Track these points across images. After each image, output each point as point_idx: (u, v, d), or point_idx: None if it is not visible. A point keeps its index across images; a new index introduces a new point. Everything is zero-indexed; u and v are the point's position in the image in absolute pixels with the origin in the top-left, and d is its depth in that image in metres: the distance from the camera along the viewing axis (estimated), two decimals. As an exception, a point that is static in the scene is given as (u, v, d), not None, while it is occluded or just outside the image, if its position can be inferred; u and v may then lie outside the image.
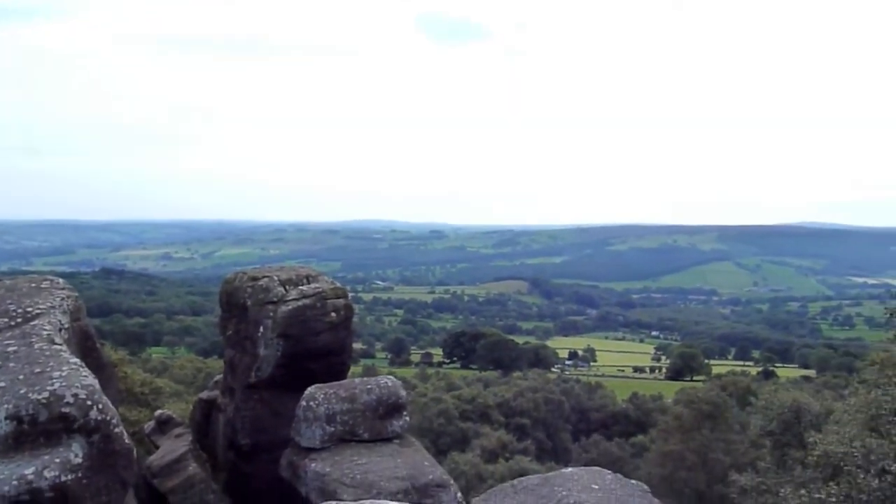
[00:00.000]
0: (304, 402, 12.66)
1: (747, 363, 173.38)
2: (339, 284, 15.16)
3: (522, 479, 9.76)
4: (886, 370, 16.19)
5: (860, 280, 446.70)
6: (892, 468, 10.89)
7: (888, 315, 11.42)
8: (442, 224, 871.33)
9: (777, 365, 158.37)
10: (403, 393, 13.18)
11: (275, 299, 14.40)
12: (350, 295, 16.32)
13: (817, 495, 11.35)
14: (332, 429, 12.42)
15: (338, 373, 14.62)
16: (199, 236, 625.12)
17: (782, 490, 15.01)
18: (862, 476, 11.25)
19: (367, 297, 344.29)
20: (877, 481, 10.97)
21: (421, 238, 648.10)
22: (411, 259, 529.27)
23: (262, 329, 14.31)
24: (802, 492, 12.07)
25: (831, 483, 12.13)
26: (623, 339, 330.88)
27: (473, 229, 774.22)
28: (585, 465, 11.20)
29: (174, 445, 16.27)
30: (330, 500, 7.64)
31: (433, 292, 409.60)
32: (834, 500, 11.14)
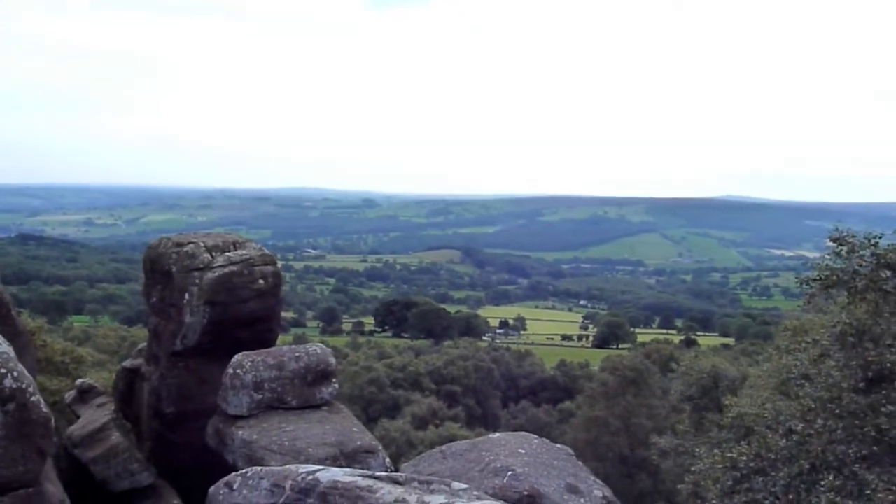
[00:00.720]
0: (231, 370, 12.53)
1: (671, 332, 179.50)
2: (267, 251, 14.97)
3: (451, 444, 9.94)
4: (797, 337, 17.02)
5: (778, 252, 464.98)
6: (798, 428, 11.50)
7: (800, 285, 11.99)
8: (375, 193, 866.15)
9: (699, 333, 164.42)
10: (333, 360, 13.17)
11: (201, 266, 14.13)
12: (280, 263, 16.14)
13: (730, 454, 11.94)
14: (260, 396, 12.35)
15: (265, 341, 14.51)
16: (122, 202, 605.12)
17: (697, 450, 15.75)
18: (770, 435, 11.85)
19: (299, 265, 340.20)
20: (784, 441, 11.58)
21: (353, 206, 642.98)
22: (343, 227, 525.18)
23: (187, 296, 14.05)
24: (716, 451, 12.70)
25: (742, 443, 12.76)
26: (552, 308, 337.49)
27: (406, 198, 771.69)
28: (513, 430, 11.47)
29: (96, 415, 15.92)
30: (257, 466, 7.65)
31: (365, 261, 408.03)
32: (745, 458, 11.72)
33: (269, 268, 14.59)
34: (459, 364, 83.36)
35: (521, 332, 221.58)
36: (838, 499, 10.38)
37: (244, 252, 14.55)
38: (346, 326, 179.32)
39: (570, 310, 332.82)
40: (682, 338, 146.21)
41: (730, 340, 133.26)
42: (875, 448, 10.76)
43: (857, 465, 10.80)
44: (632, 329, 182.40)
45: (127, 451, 14.32)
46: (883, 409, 10.76)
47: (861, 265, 11.65)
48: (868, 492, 10.31)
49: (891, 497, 10.00)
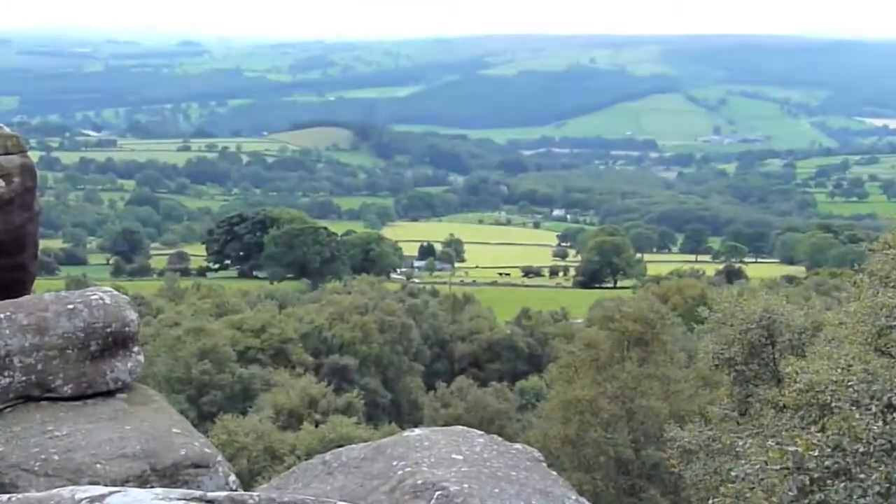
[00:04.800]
0: (-49, 338, 12.32)
1: (701, 258, 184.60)
2: (9, 131, 14.58)
3: (342, 450, 10.06)
4: (903, 258, 17.50)
5: (879, 123, 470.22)
6: (904, 403, 11.86)
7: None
8: (201, 35, 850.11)
9: (746, 259, 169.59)
10: (134, 317, 13.06)
11: None
12: (37, 155, 15.77)
13: (792, 448, 12.21)
14: (8, 380, 12.21)
15: (12, 286, 14.28)
16: None
17: (742, 444, 16.13)
18: (858, 416, 12.23)
19: (70, 157, 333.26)
20: (880, 424, 11.97)
21: (164, 55, 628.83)
22: (147, 93, 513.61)
23: None
24: (772, 444, 12.92)
25: (814, 429, 13.14)
26: (508, 223, 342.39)
27: (254, 42, 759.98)
28: (445, 425, 11.66)
29: None
30: (7, 494, 7.58)
31: (187, 149, 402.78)
32: (818, 453, 12.03)
33: (14, 159, 14.26)
34: (353, 321, 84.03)
35: (457, 266, 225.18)
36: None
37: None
38: (158, 262, 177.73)
39: (536, 225, 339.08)
40: (721, 267, 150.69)
41: (797, 270, 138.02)
42: None
43: None
44: (638, 256, 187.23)
45: None
46: None
47: None
48: None
49: None
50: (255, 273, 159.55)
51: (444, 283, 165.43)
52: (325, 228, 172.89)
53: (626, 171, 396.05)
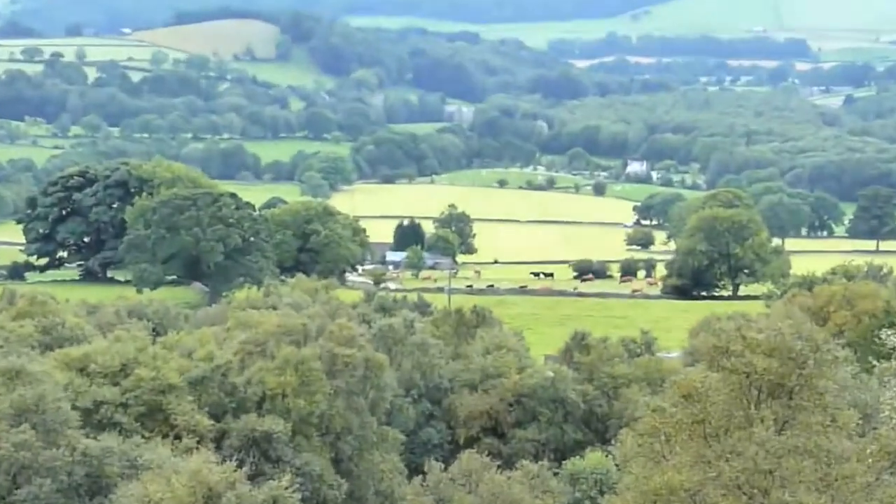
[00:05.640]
0: None
1: (887, 246, 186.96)
2: None
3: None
4: None
5: None
6: None
7: None
8: None
9: None
10: None
11: None
12: None
13: None
14: None
15: None
16: None
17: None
18: None
19: None
20: None
21: None
22: None
23: None
24: None
25: None
26: (549, 186, 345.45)
27: None
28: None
29: None
30: None
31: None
32: None
33: None
34: (283, 355, 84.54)
35: (462, 260, 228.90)
36: None
37: None
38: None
39: (597, 191, 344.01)
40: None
41: None
42: None
43: None
44: (775, 242, 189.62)
45: None
46: None
47: None
48: None
49: None
50: (109, 274, 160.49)
51: (440, 289, 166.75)
52: (233, 196, 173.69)
53: (755, 96, 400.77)
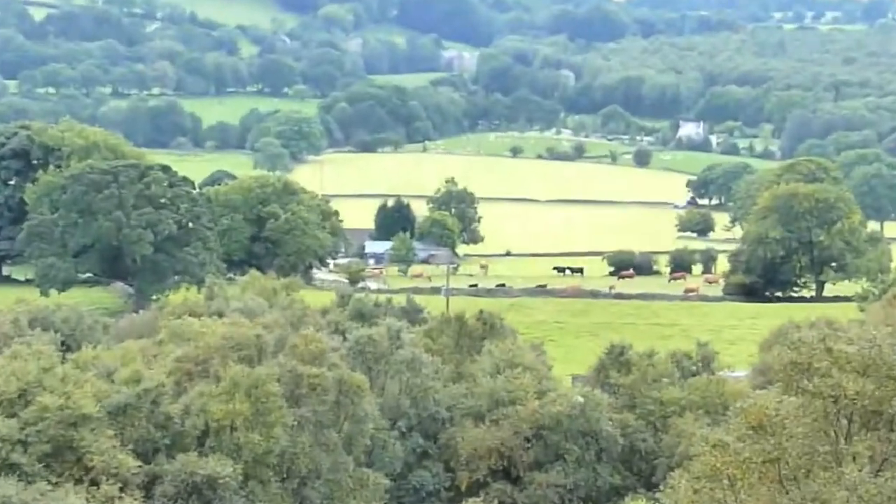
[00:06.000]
0: None
1: None
2: None
3: None
4: None
5: None
6: None
7: None
8: None
9: None
10: None
11: None
12: None
13: None
14: None
15: None
16: None
17: None
18: None
19: None
20: None
21: None
22: None
23: None
24: None
25: None
26: (578, 155, 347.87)
27: None
28: None
29: None
30: None
31: None
32: None
33: None
34: (232, 376, 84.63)
35: (465, 252, 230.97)
36: None
37: None
38: None
39: (639, 161, 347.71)
40: None
41: None
42: None
43: None
44: (872, 227, 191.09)
45: None
46: None
47: None
48: None
49: None
50: (5, 272, 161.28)
51: (436, 290, 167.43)
52: (166, 169, 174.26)
53: (845, 37, 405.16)
